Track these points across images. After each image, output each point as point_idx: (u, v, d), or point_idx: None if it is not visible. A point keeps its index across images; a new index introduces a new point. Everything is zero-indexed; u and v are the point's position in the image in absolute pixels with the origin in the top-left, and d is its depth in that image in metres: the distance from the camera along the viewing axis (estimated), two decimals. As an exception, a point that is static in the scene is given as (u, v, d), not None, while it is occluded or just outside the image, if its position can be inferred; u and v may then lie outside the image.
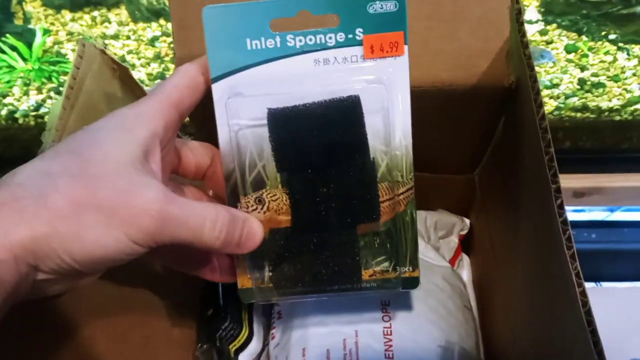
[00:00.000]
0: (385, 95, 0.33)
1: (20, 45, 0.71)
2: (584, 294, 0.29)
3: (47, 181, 0.25)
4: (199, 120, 0.44)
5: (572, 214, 0.76)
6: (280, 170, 0.34)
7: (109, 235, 0.25)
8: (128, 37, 0.74)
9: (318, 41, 0.32)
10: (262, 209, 0.34)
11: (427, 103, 0.41)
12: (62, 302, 0.35)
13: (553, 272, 0.32)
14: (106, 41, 0.74)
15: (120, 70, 0.44)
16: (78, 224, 0.25)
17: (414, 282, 0.37)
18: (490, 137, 0.47)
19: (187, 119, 0.45)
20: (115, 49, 0.74)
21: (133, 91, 0.43)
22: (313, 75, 0.33)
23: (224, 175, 0.34)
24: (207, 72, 0.33)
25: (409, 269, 0.36)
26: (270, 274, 0.36)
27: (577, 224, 0.74)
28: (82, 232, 0.25)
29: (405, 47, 0.33)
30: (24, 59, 0.71)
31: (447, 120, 0.45)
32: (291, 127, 0.33)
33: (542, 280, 0.36)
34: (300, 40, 0.32)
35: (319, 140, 0.34)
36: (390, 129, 0.34)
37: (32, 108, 0.71)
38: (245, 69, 0.33)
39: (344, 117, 0.33)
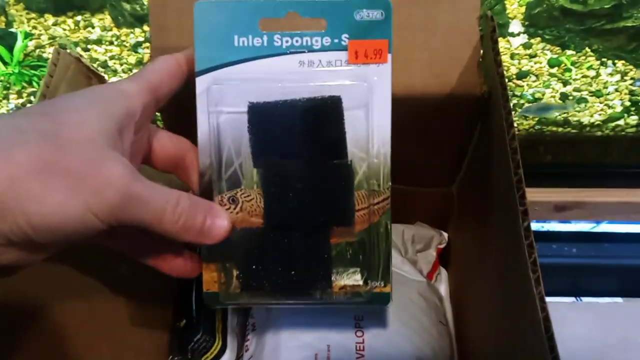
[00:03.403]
0: (366, 101, 0.34)
1: (0, 48, 0.71)
2: (547, 318, 0.28)
3: (16, 136, 0.24)
4: (171, 118, 0.44)
5: (557, 225, 0.76)
6: (256, 166, 0.34)
7: (72, 201, 0.24)
8: (111, 43, 0.74)
9: (304, 43, 0.33)
10: (235, 208, 0.34)
11: (401, 112, 0.41)
12: (28, 310, 0.35)
13: (519, 294, 0.32)
14: (88, 46, 0.73)
15: (96, 79, 0.44)
16: (42, 184, 0.24)
17: (384, 298, 0.36)
18: (466, 149, 0.47)
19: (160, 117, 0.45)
20: (98, 54, 0.73)
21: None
22: (297, 74, 0.33)
23: (199, 171, 0.34)
24: (186, 65, 0.33)
25: (380, 284, 0.36)
26: (238, 274, 0.35)
27: (558, 237, 0.74)
28: (44, 194, 0.24)
29: (389, 56, 0.33)
30: (5, 63, 0.71)
31: (423, 131, 0.44)
32: (271, 122, 0.34)
33: (510, 301, 0.36)
34: (287, 41, 0.33)
35: (297, 138, 0.34)
36: (369, 136, 0.34)
37: (11, 112, 0.70)
38: (231, 64, 0.33)
39: (324, 116, 0.34)
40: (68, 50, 0.40)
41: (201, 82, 0.33)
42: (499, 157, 0.36)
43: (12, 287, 0.32)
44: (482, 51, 0.40)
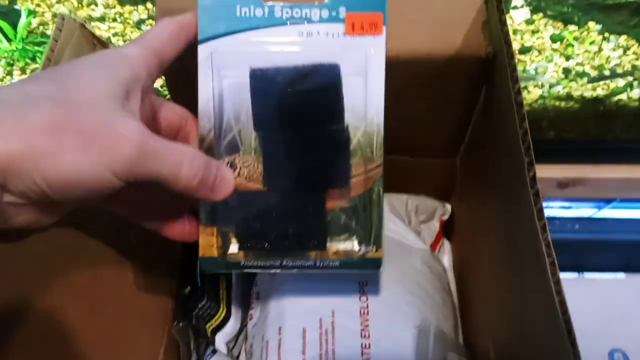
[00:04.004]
0: (362, 71, 0.35)
1: (4, 25, 0.71)
2: (553, 264, 0.29)
3: (27, 101, 0.25)
4: (175, 82, 0.44)
5: (560, 211, 0.76)
6: (257, 129, 0.35)
7: (87, 159, 0.25)
8: (114, 20, 0.74)
9: (304, 15, 0.34)
10: (233, 173, 0.35)
11: (405, 77, 0.41)
12: (32, 274, 0.35)
13: (525, 241, 0.32)
14: (92, 23, 0.73)
15: (100, 45, 0.44)
16: (57, 143, 0.24)
17: (376, 263, 0.37)
18: (470, 116, 0.47)
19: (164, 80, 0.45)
20: (101, 31, 0.73)
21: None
22: (297, 44, 0.35)
23: (199, 136, 0.35)
24: (190, 27, 0.34)
25: (372, 249, 0.37)
26: (236, 237, 0.36)
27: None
28: (59, 153, 0.24)
29: (384, 28, 0.34)
30: (8, 39, 0.71)
31: (427, 96, 0.44)
32: (271, 88, 0.35)
33: (514, 255, 0.36)
34: (287, 12, 0.34)
35: (297, 103, 0.35)
36: (365, 105, 0.35)
37: (15, 89, 0.69)
38: (233, 33, 0.34)
39: (323, 83, 0.35)
40: (72, 17, 0.40)
41: (203, 50, 0.34)
42: (503, 118, 0.36)
43: (18, 250, 0.32)
44: (486, 14, 0.40)
